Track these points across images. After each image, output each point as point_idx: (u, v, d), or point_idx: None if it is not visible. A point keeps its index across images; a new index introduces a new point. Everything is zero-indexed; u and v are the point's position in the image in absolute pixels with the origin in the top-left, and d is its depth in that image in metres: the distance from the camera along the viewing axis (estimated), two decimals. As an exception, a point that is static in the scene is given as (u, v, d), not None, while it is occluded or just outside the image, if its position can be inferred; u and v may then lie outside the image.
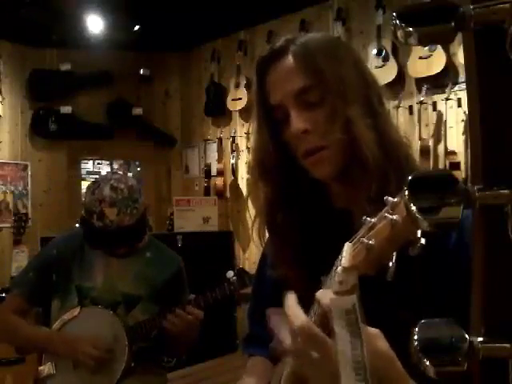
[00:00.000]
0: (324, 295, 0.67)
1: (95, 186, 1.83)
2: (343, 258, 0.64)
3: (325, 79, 0.87)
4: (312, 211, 0.97)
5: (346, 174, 0.90)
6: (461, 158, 3.47)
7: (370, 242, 0.60)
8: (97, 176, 5.36)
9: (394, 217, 0.56)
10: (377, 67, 3.78)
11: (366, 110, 0.87)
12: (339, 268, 0.64)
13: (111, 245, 1.87)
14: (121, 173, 2.05)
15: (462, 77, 3.52)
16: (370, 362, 0.59)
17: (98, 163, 5.42)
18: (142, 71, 5.17)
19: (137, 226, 1.86)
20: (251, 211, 1.04)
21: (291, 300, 0.71)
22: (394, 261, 0.59)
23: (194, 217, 4.33)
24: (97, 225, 1.79)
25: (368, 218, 0.62)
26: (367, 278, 0.63)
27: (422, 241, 0.53)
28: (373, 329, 0.64)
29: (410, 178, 0.46)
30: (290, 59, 0.90)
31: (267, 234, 1.02)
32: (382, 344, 0.64)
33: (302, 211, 0.97)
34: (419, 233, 0.53)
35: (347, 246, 0.65)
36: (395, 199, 0.57)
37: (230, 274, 1.93)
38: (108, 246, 1.87)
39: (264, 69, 0.94)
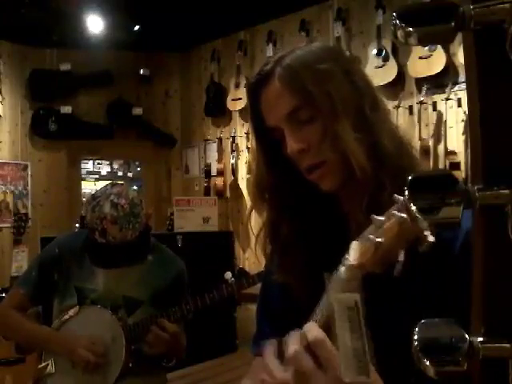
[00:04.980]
0: (311, 328, 0.68)
1: (95, 202, 1.78)
2: (350, 256, 0.64)
3: (312, 98, 0.87)
4: (320, 217, 0.98)
5: (348, 183, 0.91)
6: (461, 157, 3.48)
7: (379, 239, 0.60)
8: (97, 176, 5.37)
9: (403, 215, 0.56)
10: (377, 67, 3.77)
11: (357, 121, 0.87)
12: (346, 265, 0.65)
13: (115, 261, 1.85)
14: (121, 183, 2.00)
15: (462, 77, 3.52)
16: None
17: (98, 163, 5.42)
18: (142, 71, 5.18)
19: (140, 239, 1.84)
20: (253, 217, 1.05)
21: (269, 349, 0.75)
22: (401, 258, 0.59)
23: (194, 217, 4.33)
24: (99, 241, 1.78)
25: (376, 217, 0.63)
26: (375, 276, 0.63)
27: (431, 238, 0.53)
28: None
29: (409, 178, 0.46)
30: (276, 83, 0.91)
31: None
32: None
33: (308, 219, 0.98)
34: (428, 231, 0.53)
35: (354, 244, 0.65)
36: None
37: (228, 275, 1.92)
38: (112, 262, 1.85)
39: (255, 93, 0.95)
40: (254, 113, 0.97)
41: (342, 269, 0.66)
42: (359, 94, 0.89)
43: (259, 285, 1.36)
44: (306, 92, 0.88)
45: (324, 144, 0.89)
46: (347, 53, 1.09)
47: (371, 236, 0.62)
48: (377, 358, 0.67)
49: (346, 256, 0.66)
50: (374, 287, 0.66)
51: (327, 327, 0.69)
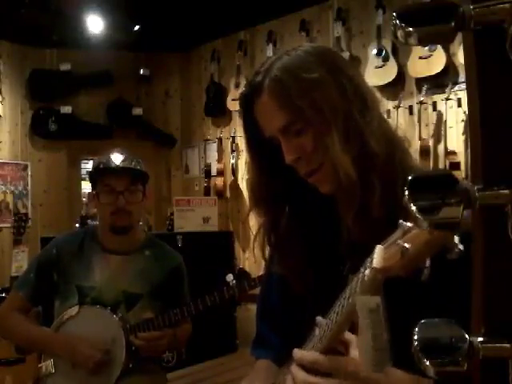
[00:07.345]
0: (302, 354, 0.79)
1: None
2: (374, 260, 0.65)
3: (302, 112, 0.89)
4: (318, 216, 1.00)
5: (342, 186, 0.92)
6: (461, 157, 3.47)
7: (406, 245, 0.60)
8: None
9: None
10: (377, 67, 3.77)
11: (346, 127, 0.89)
12: (370, 268, 0.65)
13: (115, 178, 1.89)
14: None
15: (462, 77, 3.52)
16: None
17: (98, 163, 5.41)
18: (142, 71, 5.17)
19: (140, 175, 1.93)
20: (252, 218, 1.06)
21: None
22: (428, 265, 0.59)
23: (194, 217, 4.33)
24: (102, 166, 1.89)
25: (404, 222, 0.63)
26: (399, 280, 0.64)
27: (460, 246, 0.53)
28: (399, 372, 0.71)
29: (409, 178, 0.46)
30: (266, 97, 0.93)
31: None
32: None
33: (306, 218, 1.00)
34: (457, 239, 0.53)
35: (379, 249, 0.66)
36: None
37: (230, 277, 1.93)
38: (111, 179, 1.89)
39: (248, 104, 0.97)
40: (247, 123, 1.00)
41: (366, 272, 0.67)
42: (348, 99, 0.90)
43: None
44: (295, 107, 0.90)
45: (317, 152, 0.91)
46: (337, 52, 1.07)
47: (398, 241, 0.62)
48: (399, 357, 0.68)
49: (370, 259, 0.67)
50: (396, 290, 0.67)
51: (345, 326, 0.74)
